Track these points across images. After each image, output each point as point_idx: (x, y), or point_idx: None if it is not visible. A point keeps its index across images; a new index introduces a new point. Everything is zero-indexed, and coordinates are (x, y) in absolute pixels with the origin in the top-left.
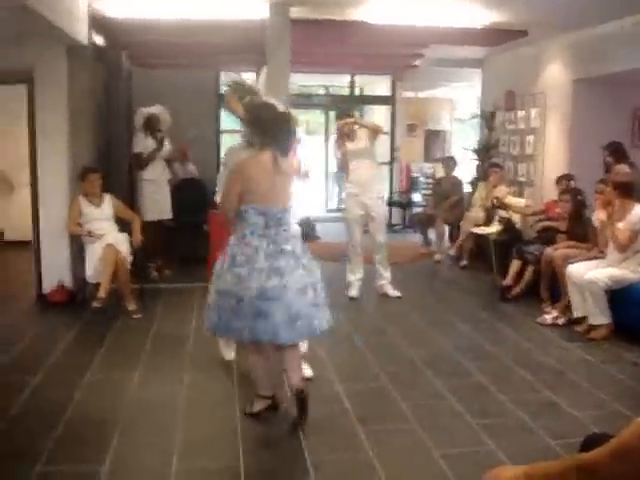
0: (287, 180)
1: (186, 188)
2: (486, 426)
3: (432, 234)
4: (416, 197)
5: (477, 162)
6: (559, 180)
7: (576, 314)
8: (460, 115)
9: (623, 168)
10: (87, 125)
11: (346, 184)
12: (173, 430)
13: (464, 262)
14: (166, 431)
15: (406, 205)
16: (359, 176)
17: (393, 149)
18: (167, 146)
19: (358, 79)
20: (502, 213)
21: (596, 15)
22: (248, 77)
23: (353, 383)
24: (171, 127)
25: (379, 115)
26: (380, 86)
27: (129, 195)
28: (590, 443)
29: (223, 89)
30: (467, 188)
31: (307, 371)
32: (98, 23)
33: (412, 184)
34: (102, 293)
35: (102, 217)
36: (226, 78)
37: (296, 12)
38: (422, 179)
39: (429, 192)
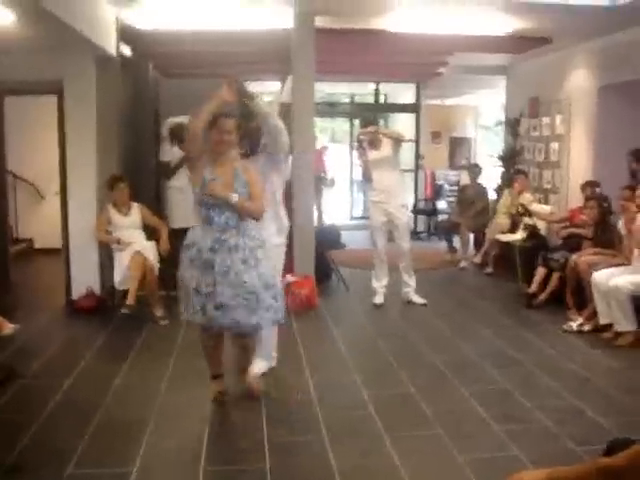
0: None
1: None
2: (510, 432)
3: (457, 241)
4: (441, 204)
5: (502, 169)
6: (584, 187)
7: (602, 321)
8: (484, 122)
9: None
10: (115, 135)
11: (370, 192)
12: (201, 433)
13: (489, 269)
14: (194, 434)
15: (431, 212)
16: (383, 184)
17: (418, 157)
18: None
19: (383, 87)
20: (527, 220)
21: (621, 21)
22: None
23: (378, 389)
24: None
25: (404, 123)
26: (405, 94)
27: (155, 203)
28: (613, 448)
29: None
30: (492, 195)
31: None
32: (126, 34)
33: (437, 191)
34: (130, 300)
35: (130, 225)
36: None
37: (321, 21)
38: (447, 186)
39: (454, 199)
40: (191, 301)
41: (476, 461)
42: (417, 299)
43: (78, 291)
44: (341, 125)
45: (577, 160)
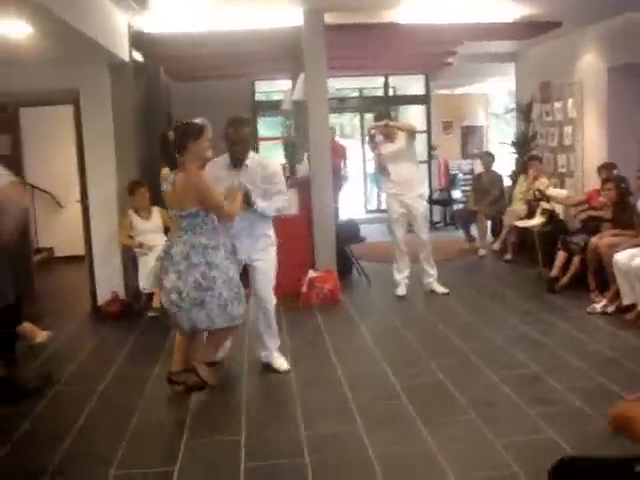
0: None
1: None
2: (544, 414)
3: (474, 230)
4: (456, 194)
5: (516, 156)
6: (601, 169)
7: (625, 301)
8: (495, 110)
9: None
10: (131, 140)
11: (387, 184)
12: (238, 430)
13: (508, 256)
14: (232, 431)
15: (446, 202)
16: (399, 176)
17: (430, 147)
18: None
19: (392, 80)
20: (545, 205)
21: (630, 1)
22: None
23: (409, 378)
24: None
25: (414, 114)
26: (414, 85)
27: None
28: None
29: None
30: (507, 182)
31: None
32: (137, 39)
33: (451, 181)
34: (157, 303)
35: (152, 229)
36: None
37: (329, 17)
38: (461, 175)
39: (469, 188)
40: None
41: (513, 445)
42: (439, 288)
43: (103, 296)
44: (349, 120)
45: (591, 143)
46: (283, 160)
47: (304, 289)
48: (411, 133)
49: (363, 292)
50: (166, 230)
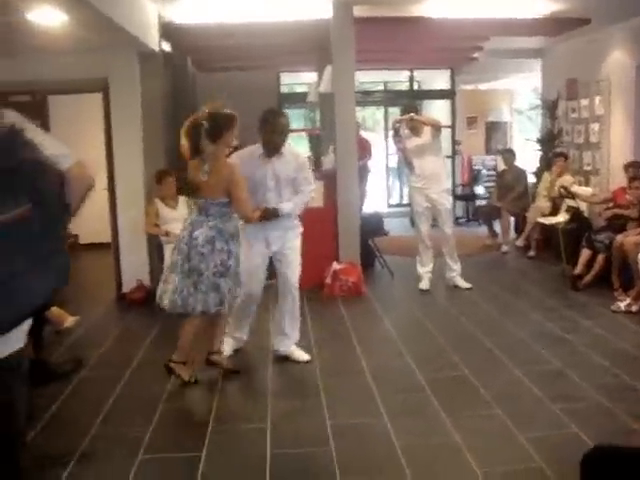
0: None
1: None
2: (567, 410)
3: (497, 226)
4: (479, 190)
5: (540, 152)
6: (627, 167)
7: None
8: (519, 106)
9: None
10: (158, 130)
11: (412, 178)
12: (264, 418)
13: (531, 252)
14: (257, 419)
15: (469, 198)
16: (424, 170)
17: (454, 142)
18: None
19: (416, 74)
20: (570, 202)
21: None
22: None
23: (433, 372)
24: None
25: (439, 109)
26: (439, 80)
27: None
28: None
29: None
30: (531, 178)
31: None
32: (166, 30)
33: (474, 177)
34: None
35: (178, 218)
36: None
37: (359, 10)
38: (484, 171)
39: (492, 184)
40: None
41: (536, 439)
42: (462, 283)
43: (128, 284)
44: (371, 114)
45: (617, 141)
46: (308, 152)
47: (328, 281)
48: (437, 128)
49: (386, 285)
50: None
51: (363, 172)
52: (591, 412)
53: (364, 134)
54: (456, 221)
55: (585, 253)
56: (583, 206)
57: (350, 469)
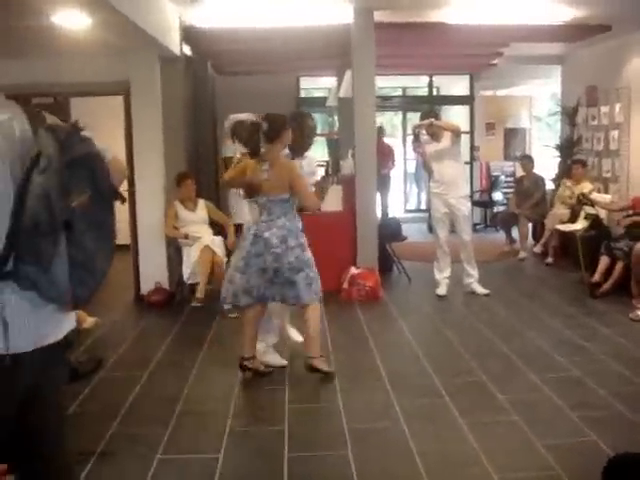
0: None
1: None
2: (586, 418)
3: (515, 232)
4: (496, 196)
5: (559, 159)
6: None
7: None
8: (537, 112)
9: None
10: (178, 133)
11: (431, 183)
12: (282, 420)
13: (549, 259)
14: (275, 422)
15: (487, 204)
16: (443, 176)
17: (472, 148)
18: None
19: (435, 79)
20: (589, 209)
21: None
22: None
23: (450, 377)
24: None
25: (458, 115)
26: (458, 86)
27: (216, 199)
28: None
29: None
30: (549, 185)
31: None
32: (187, 33)
33: (492, 183)
34: (200, 293)
35: (197, 220)
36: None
37: (379, 16)
38: (502, 178)
39: (510, 191)
40: None
41: (555, 447)
42: (480, 289)
43: (147, 286)
44: (389, 119)
45: (637, 148)
46: (326, 156)
47: (345, 285)
48: (456, 133)
49: (403, 290)
50: (211, 222)
51: (387, 181)
52: (610, 420)
53: (388, 141)
54: (474, 227)
55: (604, 261)
56: (602, 213)
57: (367, 473)
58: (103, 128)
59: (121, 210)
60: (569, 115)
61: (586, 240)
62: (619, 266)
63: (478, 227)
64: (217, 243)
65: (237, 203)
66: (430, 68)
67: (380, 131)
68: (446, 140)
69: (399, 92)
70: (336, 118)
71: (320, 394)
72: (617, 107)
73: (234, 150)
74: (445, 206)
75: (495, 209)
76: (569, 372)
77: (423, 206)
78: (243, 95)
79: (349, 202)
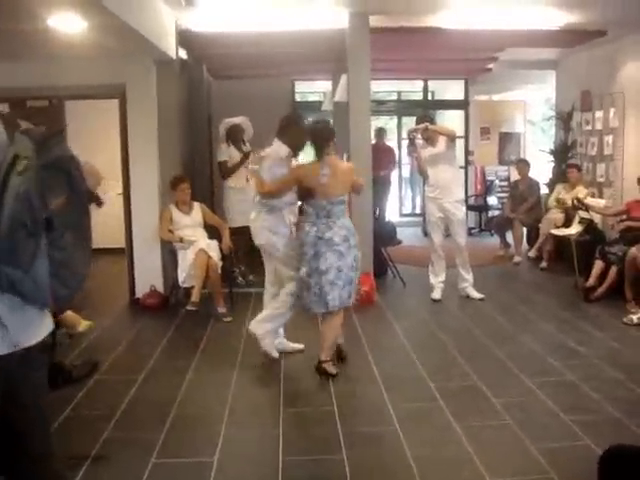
0: None
1: None
2: (580, 422)
3: (510, 237)
4: (491, 200)
5: (553, 164)
6: None
7: None
8: (532, 117)
9: None
10: (174, 136)
11: (426, 188)
12: (276, 424)
13: (544, 264)
14: (270, 426)
15: (481, 208)
16: (438, 180)
17: (467, 153)
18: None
19: (430, 84)
20: (583, 214)
21: None
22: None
23: (444, 381)
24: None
25: (453, 119)
26: (453, 90)
27: (210, 202)
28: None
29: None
30: (544, 190)
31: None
32: (183, 37)
33: (487, 187)
34: (195, 297)
35: (192, 224)
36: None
37: (374, 20)
38: (497, 182)
39: (505, 195)
40: None
41: (549, 451)
42: (474, 294)
43: (142, 289)
44: (383, 123)
45: (632, 153)
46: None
47: None
48: (451, 138)
49: (398, 294)
50: (206, 226)
51: (387, 183)
52: (604, 425)
53: (388, 143)
54: (469, 231)
55: (598, 265)
56: (596, 218)
57: (361, 477)
58: (98, 131)
59: (116, 213)
60: (563, 120)
61: (580, 244)
62: (613, 270)
63: (473, 231)
64: (212, 247)
65: (232, 206)
66: (425, 73)
67: (382, 133)
68: (441, 144)
69: (394, 96)
70: (331, 122)
71: (315, 398)
72: (611, 112)
73: (229, 154)
74: (440, 210)
75: (490, 213)
76: (563, 376)
77: (418, 210)
78: (238, 99)
79: None
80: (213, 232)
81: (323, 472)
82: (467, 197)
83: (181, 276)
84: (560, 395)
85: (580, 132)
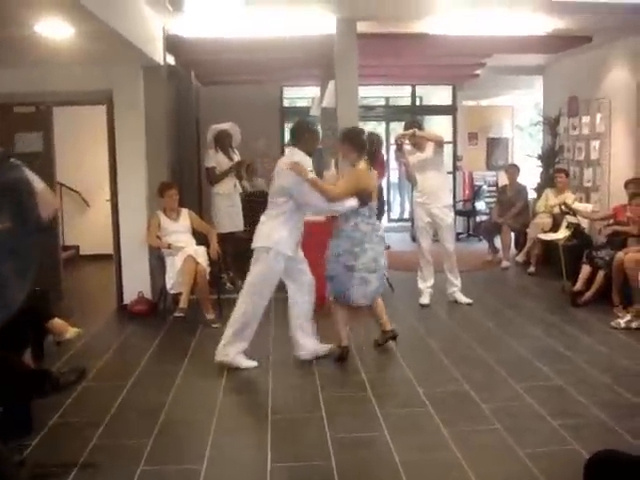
0: None
1: (254, 201)
2: (568, 427)
3: (498, 241)
4: (479, 205)
5: (541, 169)
6: (628, 184)
7: None
8: (520, 122)
9: None
10: (161, 143)
11: (415, 193)
12: (265, 430)
13: (532, 268)
14: (258, 431)
15: (469, 213)
16: (426, 186)
17: (455, 158)
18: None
19: (418, 89)
20: (571, 219)
21: None
22: None
23: (433, 386)
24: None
25: (440, 125)
26: (441, 96)
27: (199, 208)
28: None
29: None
30: (531, 194)
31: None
32: (171, 43)
33: (475, 192)
34: (183, 303)
35: (180, 230)
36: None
37: (362, 27)
38: (485, 187)
39: (493, 200)
40: None
41: (537, 455)
42: (463, 298)
43: (130, 296)
44: (373, 128)
45: (618, 158)
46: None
47: (328, 295)
48: (439, 143)
49: (386, 300)
50: (194, 232)
51: (380, 191)
52: (591, 429)
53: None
54: (457, 237)
55: (585, 269)
56: (584, 222)
57: None
58: (86, 138)
59: (104, 219)
60: (551, 125)
61: (568, 249)
62: (600, 275)
63: (461, 236)
64: (200, 253)
65: (220, 212)
66: (413, 78)
67: (378, 140)
68: (429, 150)
69: (382, 102)
70: (319, 128)
71: (303, 404)
72: (598, 117)
73: (216, 160)
74: (428, 216)
75: (478, 218)
76: (551, 380)
77: (406, 215)
78: (227, 105)
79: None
80: (201, 238)
81: (312, 478)
82: (455, 202)
83: (169, 282)
84: (548, 399)
85: (567, 137)
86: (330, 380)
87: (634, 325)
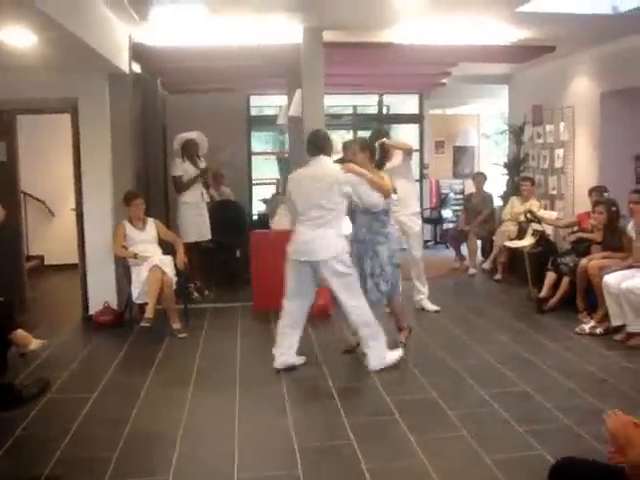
0: None
1: (221, 210)
2: (533, 432)
3: (465, 249)
4: (446, 213)
5: (507, 177)
6: (591, 192)
7: (614, 323)
8: (486, 131)
9: None
10: (127, 151)
11: None
12: (231, 440)
13: (498, 276)
14: (224, 442)
15: (436, 221)
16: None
17: (422, 166)
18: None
19: (385, 98)
20: (536, 226)
21: (623, 28)
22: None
23: (400, 394)
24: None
25: (407, 133)
26: (408, 104)
27: (166, 218)
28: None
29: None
30: (497, 202)
31: None
32: (137, 51)
33: (442, 200)
34: (149, 313)
35: (146, 240)
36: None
37: (328, 36)
38: (452, 195)
39: (459, 208)
40: None
41: (503, 461)
42: (430, 306)
43: (95, 306)
44: (341, 137)
45: (582, 166)
46: (277, 175)
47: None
48: (407, 152)
49: None
50: (161, 242)
51: None
52: (557, 434)
53: None
54: (424, 244)
55: (550, 276)
56: (549, 230)
57: None
58: (50, 146)
59: (69, 229)
60: (516, 133)
61: (533, 256)
62: (565, 281)
63: (428, 244)
64: (166, 262)
65: (187, 222)
66: (380, 87)
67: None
68: (397, 159)
69: (350, 110)
70: (287, 137)
71: (270, 413)
72: (562, 126)
73: (183, 169)
74: (396, 223)
75: (445, 226)
76: (517, 386)
77: None
78: (194, 113)
79: None
80: (168, 248)
81: None
82: (422, 210)
83: (135, 292)
84: (514, 406)
85: (532, 145)
86: (296, 388)
87: (598, 331)
